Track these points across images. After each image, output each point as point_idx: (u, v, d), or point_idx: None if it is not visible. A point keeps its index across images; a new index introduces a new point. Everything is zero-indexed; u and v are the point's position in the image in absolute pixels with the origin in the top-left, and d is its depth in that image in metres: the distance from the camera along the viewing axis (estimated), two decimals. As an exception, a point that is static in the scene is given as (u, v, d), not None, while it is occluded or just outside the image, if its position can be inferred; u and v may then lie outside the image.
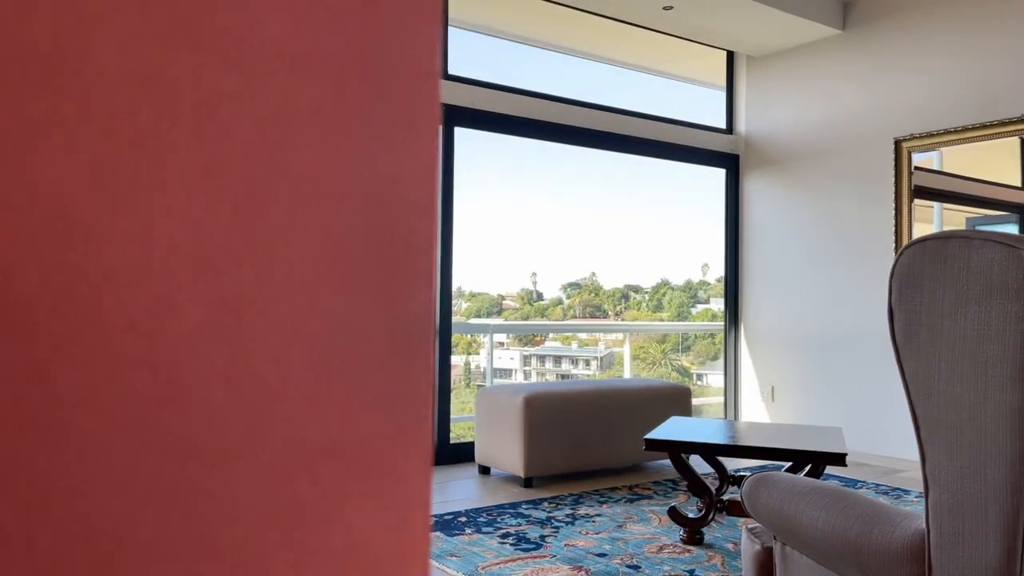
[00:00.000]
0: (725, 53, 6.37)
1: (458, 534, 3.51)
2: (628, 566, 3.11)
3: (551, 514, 3.86)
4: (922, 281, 1.52)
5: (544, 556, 3.22)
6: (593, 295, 8.94)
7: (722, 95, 6.44)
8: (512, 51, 5.86)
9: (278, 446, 0.27)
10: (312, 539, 0.28)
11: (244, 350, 0.26)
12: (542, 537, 3.48)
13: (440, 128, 0.30)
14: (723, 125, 6.37)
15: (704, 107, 6.55)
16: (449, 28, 5.06)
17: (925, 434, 1.51)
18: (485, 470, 4.79)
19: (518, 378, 8.12)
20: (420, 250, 0.29)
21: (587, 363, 8.67)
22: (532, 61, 5.96)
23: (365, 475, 0.28)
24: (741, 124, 6.36)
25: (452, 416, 5.45)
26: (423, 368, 0.30)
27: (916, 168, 5.28)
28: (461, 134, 5.14)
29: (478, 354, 7.84)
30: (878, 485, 4.64)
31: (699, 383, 8.57)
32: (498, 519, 3.76)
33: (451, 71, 5.05)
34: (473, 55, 5.43)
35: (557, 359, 8.75)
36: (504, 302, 8.65)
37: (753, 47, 6.03)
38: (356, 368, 0.28)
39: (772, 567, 1.98)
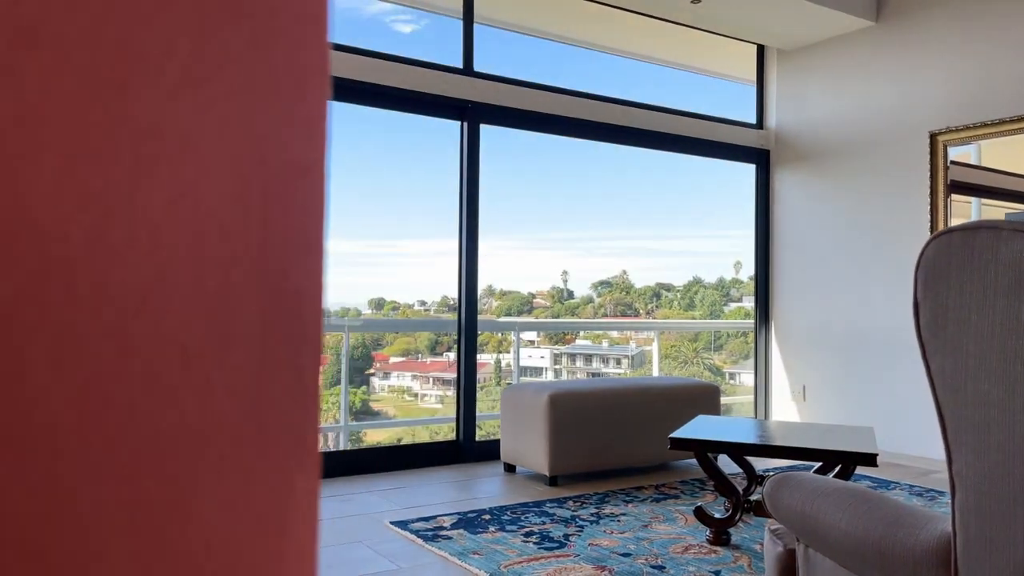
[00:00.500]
0: (755, 47, 6.27)
1: (481, 532, 3.48)
2: (653, 566, 3.06)
3: (576, 513, 3.82)
4: (948, 274, 1.46)
5: (568, 555, 3.18)
6: (624, 293, 8.90)
7: (752, 90, 6.33)
8: (539, 48, 5.82)
9: (116, 437, 0.23)
10: (160, 545, 0.24)
11: (74, 324, 0.23)
12: (566, 536, 3.44)
13: (330, 81, 0.27)
14: (753, 120, 6.27)
15: (734, 102, 6.45)
16: (475, 25, 5.03)
17: (951, 433, 1.45)
18: (511, 468, 4.76)
19: (549, 376, 8.10)
20: (303, 217, 0.26)
21: (618, 362, 8.62)
22: (559, 57, 5.92)
23: (232, 475, 0.25)
24: (772, 119, 6.25)
25: (482, 414, 5.44)
26: (308, 354, 0.26)
27: (952, 163, 5.15)
28: (488, 131, 5.10)
29: (509, 352, 7.81)
30: (912, 486, 4.53)
31: (732, 382, 8.49)
32: (522, 517, 3.73)
33: (477, 68, 5.02)
34: (500, 52, 5.40)
35: (588, 358, 8.70)
36: (535, 300, 8.64)
37: (784, 40, 5.93)
38: (218, 349, 0.25)
39: (795, 569, 1.92)
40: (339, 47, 4.55)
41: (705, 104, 6.17)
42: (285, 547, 0.25)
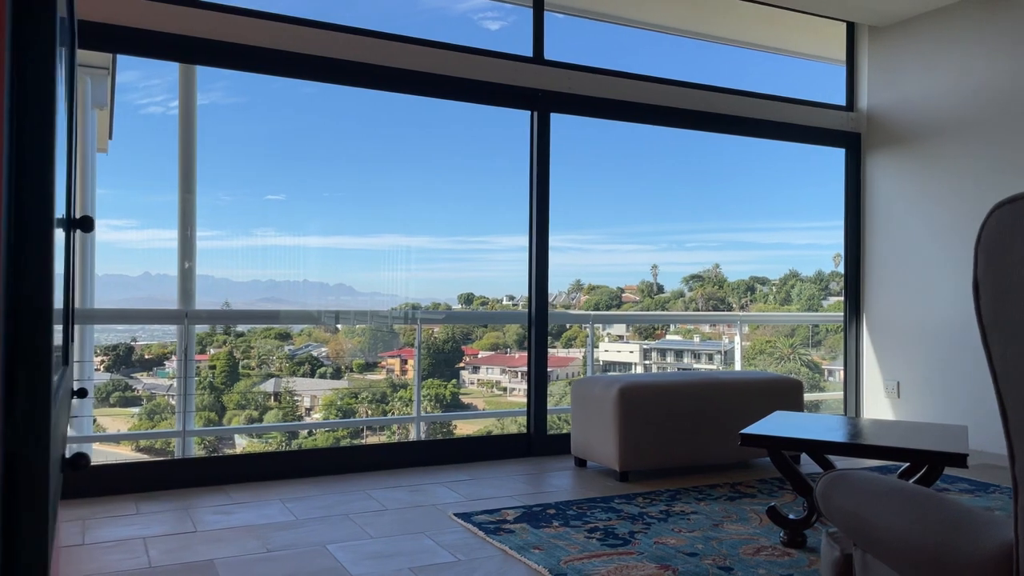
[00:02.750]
0: (845, 25, 5.95)
1: (545, 526, 3.41)
2: (720, 567, 2.92)
3: (644, 510, 3.70)
4: (1012, 248, 1.30)
5: (631, 553, 3.07)
6: (717, 287, 8.70)
7: (840, 70, 6.01)
8: (612, 33, 5.67)
9: None
10: None
11: None
12: (631, 533, 3.33)
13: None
14: (842, 102, 5.96)
15: (820, 83, 6.14)
16: (546, 13, 4.93)
17: (1014, 428, 1.29)
18: (581, 463, 4.66)
19: (638, 372, 7.97)
20: None
21: (710, 357, 8.40)
22: (633, 43, 5.75)
23: None
24: (863, 100, 5.92)
25: (561, 407, 5.38)
26: None
27: (1064, 141, 4.76)
28: (577, 126, 5.02)
29: (599, 346, 7.72)
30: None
31: (830, 379, 8.18)
32: (588, 513, 3.63)
33: (548, 56, 4.92)
34: (572, 40, 5.29)
35: (678, 353, 8.50)
36: (623, 295, 8.52)
37: (876, 16, 5.61)
38: None
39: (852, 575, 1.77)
40: (404, 39, 4.54)
41: (789, 86, 5.90)
42: None
